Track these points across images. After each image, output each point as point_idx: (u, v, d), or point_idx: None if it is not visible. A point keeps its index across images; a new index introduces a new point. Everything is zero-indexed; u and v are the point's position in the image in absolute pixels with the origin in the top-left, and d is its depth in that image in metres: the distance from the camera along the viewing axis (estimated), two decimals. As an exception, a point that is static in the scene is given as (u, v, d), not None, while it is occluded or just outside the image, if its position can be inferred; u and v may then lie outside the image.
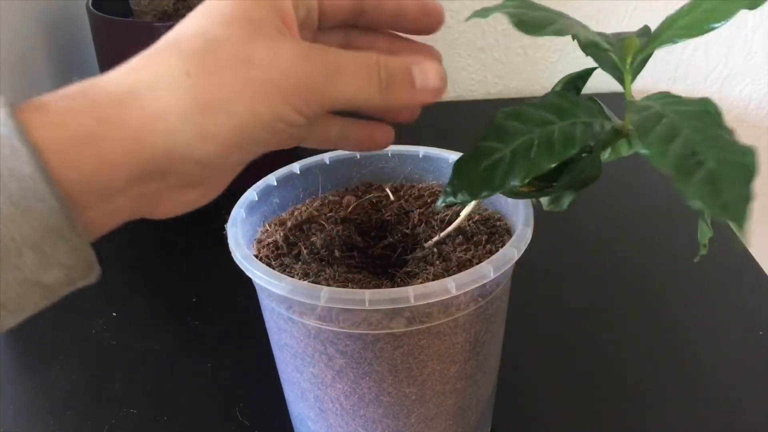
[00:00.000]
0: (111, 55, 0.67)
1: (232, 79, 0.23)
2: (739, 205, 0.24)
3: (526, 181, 0.29)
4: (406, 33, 0.31)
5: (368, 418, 0.36)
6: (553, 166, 0.29)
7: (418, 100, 0.28)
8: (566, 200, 0.35)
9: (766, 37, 0.87)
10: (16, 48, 0.64)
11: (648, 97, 0.31)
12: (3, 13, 0.61)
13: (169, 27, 0.61)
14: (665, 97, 0.30)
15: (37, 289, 0.21)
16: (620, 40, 0.33)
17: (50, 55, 0.70)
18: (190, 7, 0.65)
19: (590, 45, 0.31)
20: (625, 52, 0.31)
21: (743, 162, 0.25)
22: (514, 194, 0.35)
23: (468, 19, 0.31)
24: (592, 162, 0.32)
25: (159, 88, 0.23)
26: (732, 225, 0.24)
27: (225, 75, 0.23)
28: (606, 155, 0.35)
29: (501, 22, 0.87)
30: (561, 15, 0.32)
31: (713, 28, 0.29)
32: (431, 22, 0.30)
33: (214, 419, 0.46)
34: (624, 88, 0.32)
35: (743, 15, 0.85)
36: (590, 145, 0.30)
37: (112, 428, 0.46)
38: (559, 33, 0.30)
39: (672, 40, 0.30)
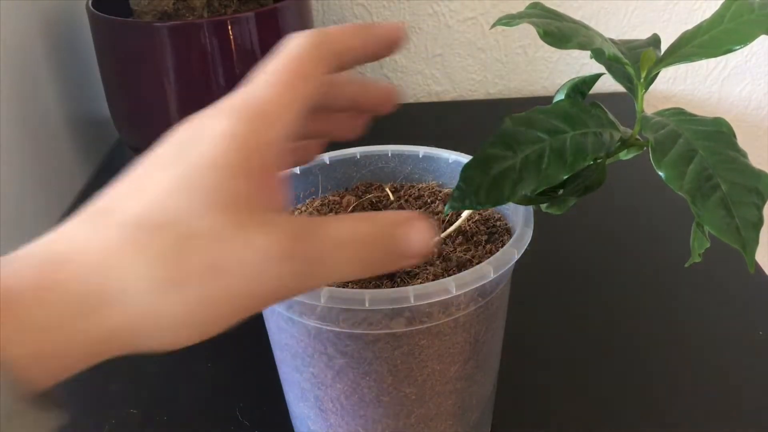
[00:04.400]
0: (111, 55, 0.67)
1: (201, 294, 0.21)
2: (749, 231, 0.24)
3: (537, 192, 0.29)
4: (360, 111, 0.30)
5: (368, 418, 0.36)
6: (565, 178, 0.29)
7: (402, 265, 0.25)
8: (567, 204, 0.35)
9: (766, 37, 0.87)
10: (16, 48, 0.64)
11: (661, 113, 0.31)
12: (3, 13, 0.61)
13: (169, 27, 0.62)
14: (679, 114, 0.30)
15: None
16: (633, 50, 0.33)
17: (50, 55, 0.70)
18: (190, 7, 0.65)
19: (612, 59, 0.31)
20: (641, 66, 0.31)
21: (756, 186, 0.26)
22: (519, 201, 0.35)
23: (492, 26, 0.30)
24: (598, 170, 0.32)
25: (127, 300, 0.21)
26: (740, 250, 0.24)
27: (192, 289, 0.21)
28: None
29: (501, 22, 0.87)
30: (583, 26, 0.31)
31: (732, 50, 0.29)
32: (387, 106, 0.30)
33: (214, 419, 0.46)
34: (635, 99, 0.32)
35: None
36: (600, 156, 0.30)
37: (112, 428, 0.46)
38: (583, 47, 0.30)
39: (689, 58, 0.29)
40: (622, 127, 0.33)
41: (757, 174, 0.26)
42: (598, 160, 0.32)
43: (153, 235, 0.20)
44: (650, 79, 0.31)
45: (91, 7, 0.65)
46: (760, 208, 0.25)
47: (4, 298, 0.19)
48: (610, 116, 0.32)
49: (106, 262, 0.20)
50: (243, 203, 0.21)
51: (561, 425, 0.45)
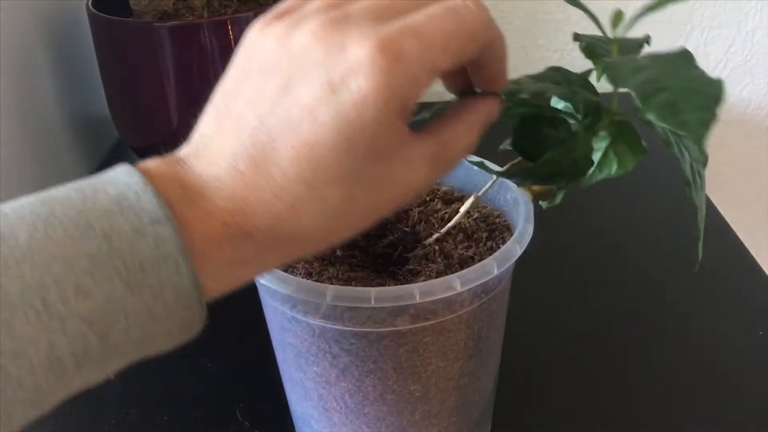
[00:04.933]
0: (111, 55, 0.66)
1: (362, 222, 0.26)
2: (700, 127, 0.25)
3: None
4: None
5: (372, 416, 0.36)
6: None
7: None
8: (559, 194, 0.35)
9: (766, 37, 0.87)
10: (16, 48, 0.64)
11: None
12: (3, 13, 0.61)
13: (169, 27, 0.62)
14: (643, 55, 0.30)
15: (141, 355, 0.24)
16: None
17: (50, 55, 0.70)
18: (190, 7, 0.65)
19: (590, 45, 0.31)
20: (613, 24, 0.31)
21: (707, 89, 0.26)
22: (510, 176, 0.35)
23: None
24: (583, 144, 0.32)
25: (300, 242, 0.26)
26: (692, 140, 0.25)
27: (356, 222, 0.26)
28: (611, 170, 0.35)
29: (501, 21, 0.87)
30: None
31: None
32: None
33: (214, 419, 0.46)
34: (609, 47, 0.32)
35: (743, 15, 0.86)
36: (577, 122, 0.31)
37: (112, 428, 0.46)
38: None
39: (660, 5, 0.30)
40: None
41: (710, 80, 0.27)
42: (583, 133, 0.32)
43: (328, 192, 0.24)
44: (626, 47, 0.32)
45: (91, 7, 0.65)
46: (711, 107, 0.26)
47: (206, 236, 0.23)
48: (595, 90, 0.33)
49: (293, 214, 0.24)
50: (394, 151, 0.25)
51: (561, 422, 0.45)
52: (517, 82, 0.32)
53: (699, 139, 0.25)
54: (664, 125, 0.26)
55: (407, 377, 0.34)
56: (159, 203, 0.23)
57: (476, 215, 0.40)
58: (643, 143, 0.34)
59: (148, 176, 0.24)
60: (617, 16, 0.31)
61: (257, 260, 0.25)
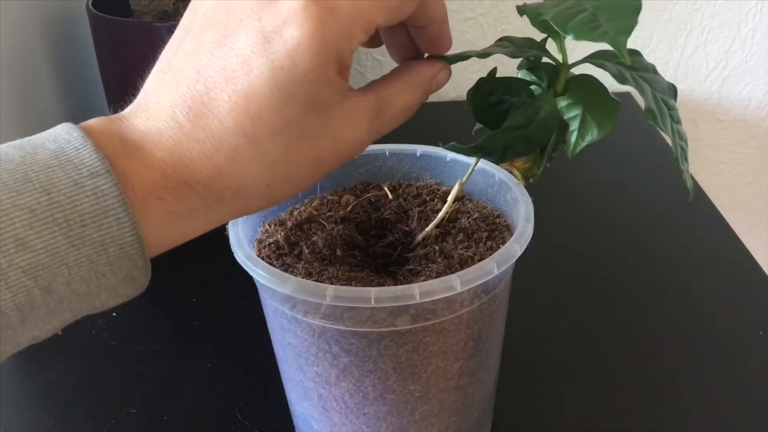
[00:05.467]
0: (111, 55, 0.66)
1: (306, 178, 0.27)
2: (620, 34, 0.25)
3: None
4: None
5: (372, 416, 0.36)
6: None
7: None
8: (543, 164, 0.35)
9: (766, 37, 0.87)
10: (16, 48, 0.63)
11: None
12: (3, 13, 0.61)
13: (169, 27, 0.62)
14: None
15: (86, 311, 0.25)
16: None
17: (50, 55, 0.70)
18: (190, 7, 0.65)
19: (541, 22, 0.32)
20: None
21: (624, 3, 0.26)
22: (487, 153, 0.35)
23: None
24: (547, 103, 0.32)
25: (243, 196, 0.26)
26: (612, 46, 0.25)
27: (300, 176, 0.27)
28: (593, 134, 0.35)
29: (501, 21, 0.87)
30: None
31: None
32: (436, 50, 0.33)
33: (214, 419, 0.46)
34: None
35: (743, 15, 0.86)
36: (540, 87, 0.32)
37: (112, 428, 0.46)
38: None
39: None
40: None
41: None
42: (545, 93, 0.33)
43: (267, 144, 0.25)
44: None
45: (91, 7, 0.65)
46: (630, 15, 0.26)
47: (146, 188, 0.24)
48: (545, 49, 0.33)
49: (233, 168, 0.25)
50: (332, 105, 0.26)
51: (561, 421, 0.45)
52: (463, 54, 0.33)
53: (619, 46, 0.25)
54: (584, 40, 0.26)
55: (407, 377, 0.34)
56: (98, 156, 0.23)
57: (476, 215, 0.40)
58: (613, 97, 0.34)
59: (88, 132, 0.24)
60: None
61: (201, 214, 0.25)
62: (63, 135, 0.24)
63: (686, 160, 0.33)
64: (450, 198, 0.38)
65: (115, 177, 0.23)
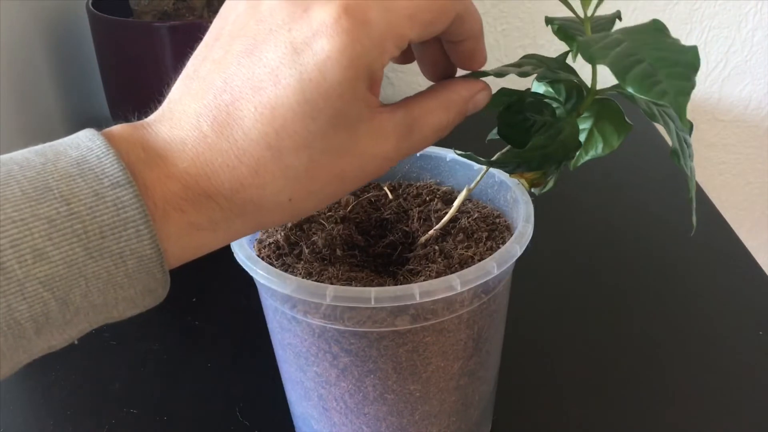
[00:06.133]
0: (111, 55, 0.66)
1: (330, 194, 0.26)
2: (679, 95, 0.25)
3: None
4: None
5: (372, 416, 0.36)
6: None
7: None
8: (551, 179, 0.36)
9: (766, 37, 0.87)
10: (16, 48, 0.63)
11: None
12: (3, 13, 0.61)
13: (169, 27, 0.62)
14: (616, 30, 0.31)
15: (103, 321, 0.24)
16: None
17: (50, 55, 0.70)
18: (190, 8, 0.65)
19: (564, 27, 0.32)
20: (582, 5, 0.32)
21: (683, 58, 0.26)
22: (501, 165, 0.35)
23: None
24: (569, 125, 0.32)
25: (265, 209, 0.25)
26: (673, 109, 0.25)
27: (323, 192, 0.26)
28: (597, 150, 0.35)
29: (501, 21, 0.87)
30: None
31: None
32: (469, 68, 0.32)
33: (214, 419, 0.46)
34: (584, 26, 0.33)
35: (743, 15, 0.86)
36: (561, 105, 0.32)
37: (112, 428, 0.46)
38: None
39: None
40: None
41: (684, 48, 0.27)
42: (567, 114, 0.33)
43: (291, 158, 0.24)
44: (599, 23, 0.33)
45: (91, 7, 0.65)
46: (689, 75, 0.26)
47: (167, 199, 0.23)
48: (574, 71, 0.33)
49: (255, 180, 0.24)
50: (360, 120, 0.25)
51: (561, 421, 0.45)
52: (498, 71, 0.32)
53: (679, 108, 0.25)
54: (643, 97, 0.26)
55: (407, 377, 0.34)
56: (120, 166, 0.22)
57: (476, 215, 0.40)
58: (627, 120, 0.34)
59: (110, 139, 0.23)
60: None
61: (222, 227, 0.25)
62: (85, 142, 0.23)
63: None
64: (456, 203, 0.38)
65: (136, 187, 0.22)
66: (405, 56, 0.31)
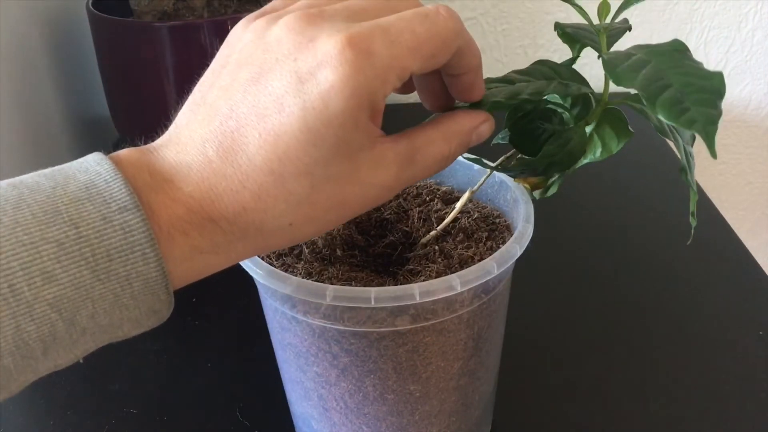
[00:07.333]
0: (111, 55, 0.67)
1: (330, 220, 0.27)
2: (708, 125, 0.25)
3: (507, 103, 0.30)
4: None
5: (372, 416, 0.36)
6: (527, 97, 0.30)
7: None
8: (554, 185, 0.36)
9: (766, 37, 0.87)
10: (16, 48, 0.63)
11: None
12: (3, 13, 0.61)
13: (169, 27, 0.62)
14: (635, 47, 0.31)
15: (108, 340, 0.25)
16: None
17: (50, 55, 0.70)
18: (190, 7, 0.65)
19: (573, 31, 0.32)
20: (600, 15, 0.32)
21: (709, 84, 0.26)
22: (506, 170, 0.35)
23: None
24: (577, 134, 0.33)
25: (266, 233, 0.26)
26: (702, 137, 0.25)
27: (323, 218, 0.26)
28: (596, 154, 0.36)
29: (501, 21, 0.87)
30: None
31: None
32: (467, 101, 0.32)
33: (214, 419, 0.46)
34: (601, 46, 0.33)
35: (743, 15, 0.86)
36: (568, 112, 0.32)
37: (112, 428, 0.46)
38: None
39: None
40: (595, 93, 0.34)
41: (710, 74, 0.27)
42: (576, 124, 0.33)
43: (293, 184, 0.25)
44: (613, 33, 0.33)
45: (91, 7, 0.65)
46: (715, 102, 0.26)
47: (172, 222, 0.24)
48: (584, 80, 0.33)
49: (257, 205, 0.25)
50: (363, 149, 0.26)
51: (561, 421, 0.45)
52: (508, 79, 0.32)
53: (708, 138, 0.25)
54: (672, 124, 0.26)
55: (407, 377, 0.34)
56: (128, 191, 0.23)
57: (476, 215, 0.40)
58: (629, 127, 0.34)
59: (118, 164, 0.24)
60: (603, 6, 0.32)
61: (224, 250, 0.25)
62: (94, 166, 0.24)
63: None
64: (458, 205, 0.38)
65: (143, 212, 0.23)
66: (405, 87, 0.31)
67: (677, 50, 0.29)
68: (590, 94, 0.33)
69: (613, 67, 0.28)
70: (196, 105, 0.26)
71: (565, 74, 0.32)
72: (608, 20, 0.33)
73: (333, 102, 0.24)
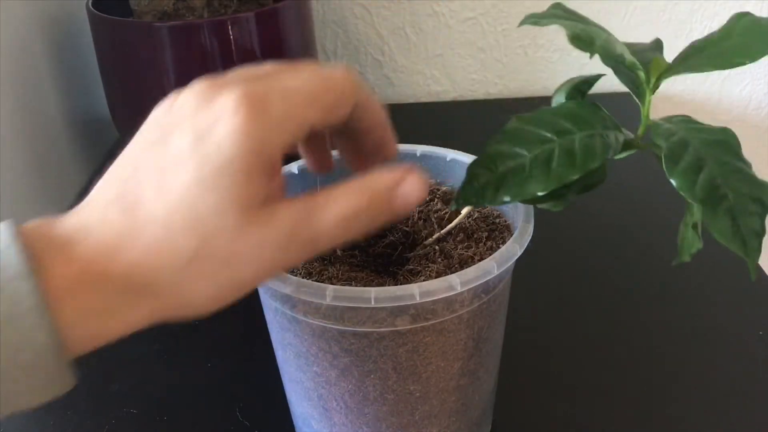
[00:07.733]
0: (111, 55, 0.66)
1: (223, 282, 0.26)
2: (752, 240, 0.26)
3: (547, 191, 0.29)
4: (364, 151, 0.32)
5: (372, 416, 0.36)
6: (575, 178, 0.29)
7: (399, 216, 0.28)
8: (565, 200, 0.35)
9: (765, 38, 0.87)
10: (16, 48, 0.64)
11: (669, 120, 0.31)
12: (3, 13, 0.61)
13: (170, 27, 0.62)
14: (687, 122, 0.31)
15: (10, 411, 0.24)
16: (637, 54, 0.33)
17: (50, 55, 0.70)
18: (190, 7, 0.65)
19: (631, 66, 0.31)
20: (651, 73, 0.31)
21: (758, 195, 0.27)
22: (525, 200, 0.35)
23: (520, 24, 0.31)
24: (600, 169, 0.32)
25: (162, 294, 0.25)
26: (745, 260, 0.26)
27: (217, 277, 0.25)
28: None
29: (501, 22, 0.87)
30: (601, 28, 0.32)
31: (742, 64, 0.29)
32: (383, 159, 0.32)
33: (214, 419, 0.46)
34: (642, 104, 0.32)
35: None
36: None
37: (112, 428, 0.46)
38: (605, 50, 0.30)
39: (699, 68, 0.30)
40: (626, 131, 0.33)
41: (761, 184, 0.27)
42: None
43: (185, 236, 0.24)
44: (656, 85, 0.32)
45: (91, 7, 0.65)
46: (763, 218, 0.26)
47: (64, 284, 0.23)
48: (614, 119, 0.33)
49: (147, 259, 0.24)
50: (256, 201, 0.25)
51: (561, 421, 0.45)
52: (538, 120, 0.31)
53: (752, 261, 0.27)
54: (725, 244, 0.27)
55: (407, 377, 0.34)
56: (22, 257, 0.23)
57: (476, 215, 0.40)
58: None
59: (22, 231, 0.24)
60: (656, 65, 0.31)
61: (122, 312, 0.25)
62: None
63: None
64: (464, 211, 0.38)
65: (35, 279, 0.23)
66: (316, 144, 0.33)
67: (728, 142, 0.29)
68: (626, 139, 0.33)
69: (672, 166, 0.28)
70: (107, 174, 0.27)
71: (599, 123, 0.31)
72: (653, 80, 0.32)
73: (226, 149, 0.24)
